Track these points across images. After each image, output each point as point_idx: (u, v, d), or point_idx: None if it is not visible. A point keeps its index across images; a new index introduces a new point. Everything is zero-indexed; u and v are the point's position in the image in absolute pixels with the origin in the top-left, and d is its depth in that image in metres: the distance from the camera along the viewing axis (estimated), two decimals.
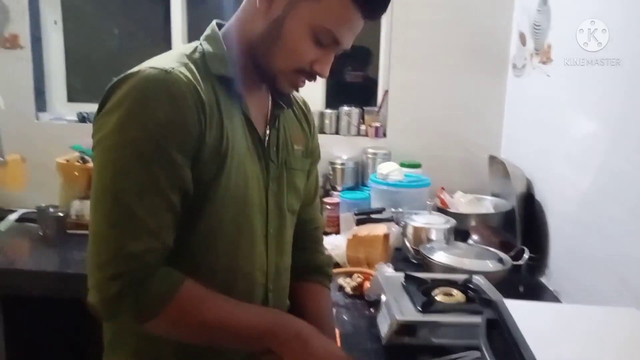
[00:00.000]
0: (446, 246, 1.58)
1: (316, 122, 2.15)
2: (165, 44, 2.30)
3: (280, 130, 1.00)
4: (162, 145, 0.77)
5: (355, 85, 3.17)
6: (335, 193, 2.08)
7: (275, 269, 0.99)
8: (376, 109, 2.23)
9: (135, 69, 0.80)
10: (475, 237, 1.75)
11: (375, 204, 1.91)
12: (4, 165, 2.10)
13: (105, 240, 0.76)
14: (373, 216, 1.77)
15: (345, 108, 2.21)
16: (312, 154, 1.13)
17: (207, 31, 0.93)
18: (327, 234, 1.94)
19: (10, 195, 2.14)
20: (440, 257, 1.50)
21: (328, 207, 1.99)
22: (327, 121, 2.23)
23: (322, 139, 2.11)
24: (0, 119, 2.09)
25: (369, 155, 2.13)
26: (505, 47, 2.08)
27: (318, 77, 0.91)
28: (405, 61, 2.13)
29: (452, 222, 1.72)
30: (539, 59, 1.80)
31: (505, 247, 1.64)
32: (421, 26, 2.10)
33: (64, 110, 2.30)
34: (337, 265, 1.61)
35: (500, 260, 1.49)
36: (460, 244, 1.65)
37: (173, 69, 0.80)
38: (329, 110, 2.24)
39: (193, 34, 2.33)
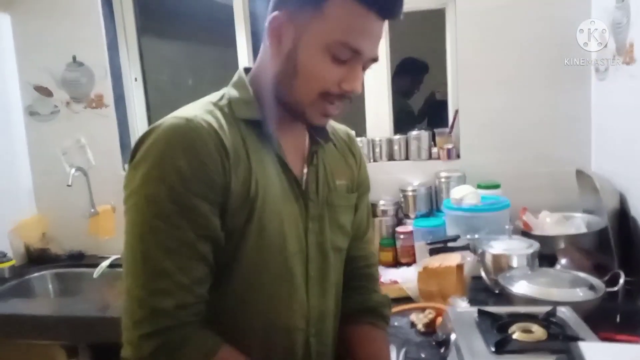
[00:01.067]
0: (529, 274, 1.45)
1: (384, 149, 2.15)
2: None
3: (320, 167, 0.98)
4: (185, 196, 0.77)
5: (422, 108, 3.08)
6: (408, 221, 2.01)
7: (318, 312, 0.96)
8: (447, 130, 2.14)
9: (160, 120, 0.81)
10: (563, 261, 1.59)
11: (450, 231, 1.81)
12: (95, 215, 2.27)
13: (137, 300, 0.76)
14: (448, 245, 1.67)
15: (414, 132, 2.15)
16: (360, 186, 1.08)
17: (234, 77, 0.93)
18: (402, 264, 1.89)
19: (102, 242, 2.30)
20: (521, 287, 1.38)
21: (401, 236, 1.92)
22: (395, 147, 2.17)
23: (391, 165, 2.14)
24: (91, 174, 2.28)
25: (442, 179, 2.04)
26: (585, 52, 1.91)
27: (350, 98, 0.88)
28: (475, 78, 2.03)
29: (536, 246, 1.58)
30: (622, 60, 1.64)
31: (599, 270, 1.48)
32: (489, 40, 2.00)
33: None
34: (410, 299, 1.54)
35: (592, 287, 1.34)
36: (546, 271, 1.51)
37: (195, 116, 0.80)
38: (397, 136, 2.18)
39: None
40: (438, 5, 2.14)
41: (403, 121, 2.48)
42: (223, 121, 0.83)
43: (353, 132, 1.13)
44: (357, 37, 0.81)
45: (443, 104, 3.13)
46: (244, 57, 2.34)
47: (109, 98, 2.32)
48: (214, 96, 0.90)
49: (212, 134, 0.79)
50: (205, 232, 0.79)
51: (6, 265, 2.17)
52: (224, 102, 0.88)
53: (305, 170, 0.95)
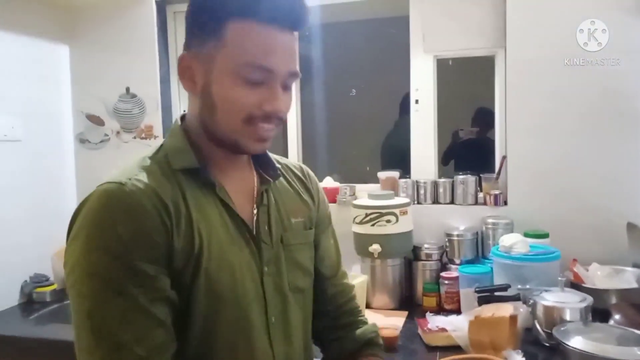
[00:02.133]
0: (583, 328, 1.42)
1: (429, 191, 2.14)
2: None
3: (271, 207, 0.94)
4: (131, 263, 0.73)
5: (472, 151, 3.09)
6: (453, 267, 1.98)
7: (284, 359, 0.92)
8: (494, 175, 2.13)
9: (92, 191, 0.79)
10: (617, 317, 1.55)
11: (498, 280, 1.78)
12: None
13: None
14: (497, 294, 1.64)
15: (461, 176, 2.14)
16: (320, 223, 1.06)
17: (171, 126, 0.92)
18: (446, 311, 1.85)
19: None
20: (577, 342, 1.34)
21: (446, 282, 1.89)
22: (441, 190, 2.16)
23: (436, 209, 2.12)
24: None
25: (489, 225, 2.01)
26: (636, 103, 1.90)
27: (280, 119, 0.85)
28: (524, 124, 2.03)
29: (590, 299, 1.54)
30: None
31: None
32: (539, 87, 2.00)
33: None
34: (459, 348, 1.50)
35: None
36: (600, 326, 1.47)
37: (130, 179, 0.78)
38: (442, 179, 2.17)
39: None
40: (488, 52, 2.16)
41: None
42: (159, 175, 0.81)
43: (307, 168, 1.10)
44: (264, 55, 0.79)
45: (470, 144, 3.14)
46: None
47: (159, 129, 2.39)
48: (152, 149, 0.88)
49: (149, 193, 0.77)
50: (158, 294, 0.76)
51: (48, 289, 2.19)
52: (160, 154, 0.86)
53: (255, 212, 0.91)
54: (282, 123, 0.88)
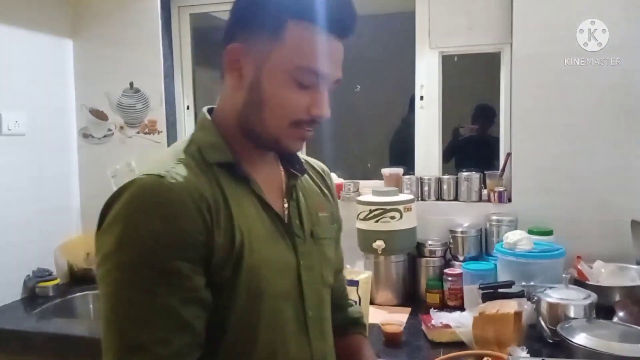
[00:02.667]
0: (587, 325, 1.42)
1: (433, 188, 2.14)
2: None
3: (301, 201, 0.94)
4: (164, 260, 0.71)
5: (473, 148, 3.08)
6: (457, 263, 1.98)
7: (321, 355, 0.91)
8: (498, 172, 2.12)
9: (131, 178, 0.76)
10: (621, 314, 1.55)
11: (502, 277, 1.78)
12: None
13: None
14: (501, 290, 1.63)
15: (465, 173, 2.13)
16: (337, 219, 1.06)
17: (198, 119, 0.90)
18: (449, 307, 1.85)
19: None
20: (582, 339, 1.34)
21: (449, 278, 1.89)
22: (445, 187, 2.16)
23: (440, 205, 2.12)
24: None
25: (493, 222, 2.01)
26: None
27: (321, 120, 0.85)
28: (528, 122, 2.03)
29: (594, 297, 1.54)
30: None
31: None
32: (546, 85, 2.00)
33: None
34: (463, 344, 1.50)
35: None
36: (604, 323, 1.47)
37: (168, 171, 0.75)
38: (446, 176, 2.17)
39: None
40: (494, 49, 2.15)
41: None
42: (197, 170, 0.79)
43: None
44: (320, 60, 0.79)
45: (471, 141, 3.13)
46: None
47: (162, 124, 2.38)
48: (183, 142, 0.86)
49: (189, 187, 0.75)
50: (189, 295, 0.73)
51: (51, 283, 2.20)
52: (193, 147, 0.83)
53: (286, 206, 0.91)
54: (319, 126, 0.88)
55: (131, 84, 2.38)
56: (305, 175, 0.99)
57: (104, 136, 2.45)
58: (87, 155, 2.47)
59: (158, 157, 0.83)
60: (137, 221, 0.71)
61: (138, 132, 2.40)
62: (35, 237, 2.22)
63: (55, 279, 2.23)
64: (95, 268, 0.76)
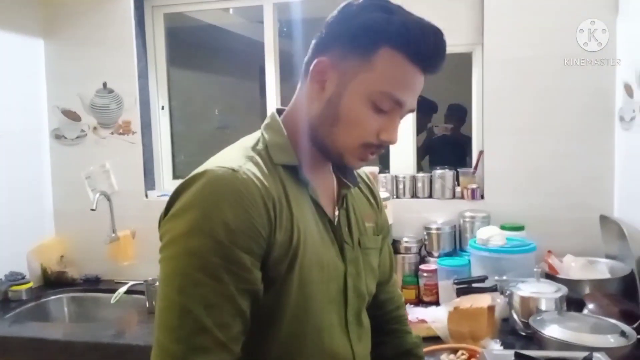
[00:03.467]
0: (558, 317, 1.46)
1: (408, 186, 2.17)
2: (261, 118, 2.42)
3: (350, 210, 0.97)
4: (231, 251, 0.74)
5: (446, 147, 3.14)
6: (431, 259, 2.01)
7: (362, 358, 0.94)
8: (471, 170, 2.17)
9: (202, 168, 0.79)
10: (591, 306, 1.59)
11: (475, 272, 1.82)
12: (115, 240, 2.27)
13: (171, 355, 0.72)
14: (474, 285, 1.67)
15: (439, 171, 2.17)
16: (382, 229, 1.08)
17: (267, 120, 0.92)
18: (424, 303, 1.88)
19: (120, 267, 2.29)
20: (553, 331, 1.38)
21: (425, 274, 1.92)
22: (419, 184, 2.19)
23: (415, 203, 2.15)
24: (113, 199, 2.29)
25: (467, 219, 2.05)
26: (610, 101, 1.96)
27: (387, 146, 0.88)
28: (500, 120, 2.07)
29: (564, 290, 1.59)
30: None
31: (626, 317, 1.48)
32: (516, 85, 2.05)
33: (171, 187, 2.44)
34: (439, 339, 1.53)
35: (623, 334, 1.35)
36: (575, 315, 1.52)
37: (240, 167, 0.78)
38: (421, 174, 2.21)
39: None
40: (466, 49, 2.19)
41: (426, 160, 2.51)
42: (264, 168, 0.82)
43: (376, 170, 1.13)
44: (402, 90, 0.82)
45: (444, 140, 3.18)
46: (271, 91, 2.38)
47: (137, 125, 2.36)
48: (250, 140, 0.89)
49: (259, 185, 0.78)
50: (247, 286, 0.76)
51: (24, 287, 2.16)
52: (260, 146, 0.87)
53: (336, 214, 0.94)
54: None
55: (104, 84, 2.35)
56: None
57: (77, 137, 2.41)
58: (60, 156, 2.43)
59: (226, 152, 0.86)
60: (210, 210, 0.74)
61: (112, 133, 2.37)
62: (7, 240, 2.18)
63: (29, 282, 2.20)
64: (159, 249, 0.78)
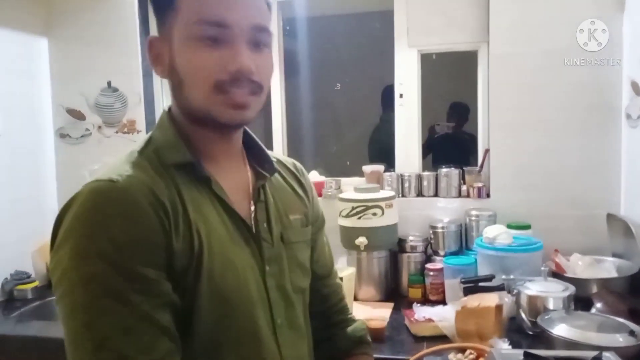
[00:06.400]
0: (566, 316, 1.45)
1: (413, 185, 2.17)
2: (264, 116, 2.42)
3: (270, 203, 0.89)
4: (128, 267, 0.67)
5: (448, 145, 3.14)
6: (437, 258, 2.00)
7: None
8: (477, 168, 2.16)
9: (79, 189, 0.71)
10: (598, 305, 1.59)
11: (482, 271, 1.81)
12: None
13: None
14: (481, 284, 1.66)
15: (444, 169, 2.16)
16: (315, 220, 1.01)
17: (158, 117, 0.85)
18: (431, 302, 1.88)
19: None
20: (561, 330, 1.37)
21: (431, 273, 1.91)
22: (425, 183, 2.18)
23: (420, 202, 2.15)
24: None
25: (473, 218, 2.04)
26: (616, 98, 1.95)
27: (252, 82, 0.77)
28: (506, 118, 2.06)
29: (572, 289, 1.58)
30: None
31: (635, 316, 1.47)
32: (522, 83, 2.04)
33: None
34: (446, 338, 1.53)
35: (632, 333, 1.34)
36: (583, 314, 1.51)
37: (121, 175, 0.71)
38: (426, 173, 2.20)
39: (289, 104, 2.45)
40: (471, 47, 2.18)
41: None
42: (152, 171, 0.75)
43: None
44: (216, 9, 0.74)
45: (446, 138, 3.17)
46: (276, 90, 2.38)
47: (141, 124, 2.36)
48: (140, 143, 0.82)
49: (144, 190, 0.71)
50: (161, 300, 0.70)
51: (29, 286, 2.16)
52: (149, 149, 0.79)
53: (252, 209, 0.86)
54: (261, 90, 0.80)
55: (109, 83, 2.35)
56: (277, 175, 0.95)
57: (82, 136, 2.41)
58: (65, 155, 2.43)
59: (112, 162, 0.78)
60: (91, 230, 0.67)
61: (117, 132, 2.37)
62: (12, 240, 2.17)
63: (34, 281, 2.19)
64: (53, 288, 0.70)
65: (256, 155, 0.92)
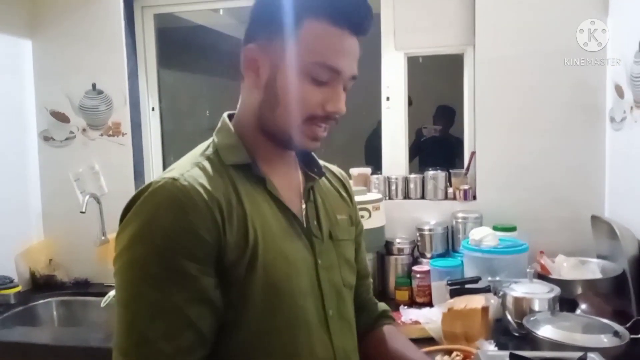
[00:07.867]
0: (552, 318, 1.46)
1: (400, 187, 2.18)
2: None
3: (319, 202, 0.96)
4: (172, 259, 0.74)
5: (435, 148, 3.15)
6: (424, 260, 2.01)
7: (343, 353, 0.92)
8: (463, 171, 2.17)
9: (152, 180, 0.81)
10: (583, 306, 1.60)
11: (468, 272, 1.82)
12: (105, 243, 2.24)
13: None
14: (468, 286, 1.67)
15: (431, 172, 2.17)
16: (358, 223, 1.09)
17: (219, 124, 0.93)
18: (418, 304, 1.88)
19: (110, 270, 2.24)
20: (547, 331, 1.38)
21: (417, 275, 1.92)
22: (412, 186, 2.19)
23: (407, 204, 2.15)
24: (103, 201, 2.26)
25: (459, 220, 2.05)
26: (600, 101, 1.97)
27: (336, 120, 0.87)
28: (492, 121, 2.08)
29: (557, 290, 1.59)
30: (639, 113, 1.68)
31: (619, 317, 1.49)
32: (507, 85, 2.05)
33: None
34: (432, 340, 1.53)
35: (617, 334, 1.35)
36: (568, 315, 1.52)
37: (182, 174, 0.79)
38: (413, 175, 2.20)
39: None
40: (457, 50, 2.19)
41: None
42: (211, 171, 0.82)
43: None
44: (335, 56, 0.82)
45: (433, 141, 3.19)
46: None
47: (127, 126, 2.33)
48: (203, 146, 0.90)
49: (200, 190, 0.78)
50: (197, 295, 0.76)
51: (12, 291, 2.13)
52: (210, 151, 0.87)
53: (303, 207, 0.93)
54: (336, 124, 0.89)
55: (94, 85, 2.32)
56: (324, 179, 1.02)
57: (66, 139, 2.38)
58: (48, 158, 2.40)
59: (177, 162, 0.87)
60: (149, 220, 0.75)
61: (102, 134, 2.35)
62: None
63: (17, 286, 2.16)
64: (113, 262, 0.79)
65: (306, 160, 0.99)
